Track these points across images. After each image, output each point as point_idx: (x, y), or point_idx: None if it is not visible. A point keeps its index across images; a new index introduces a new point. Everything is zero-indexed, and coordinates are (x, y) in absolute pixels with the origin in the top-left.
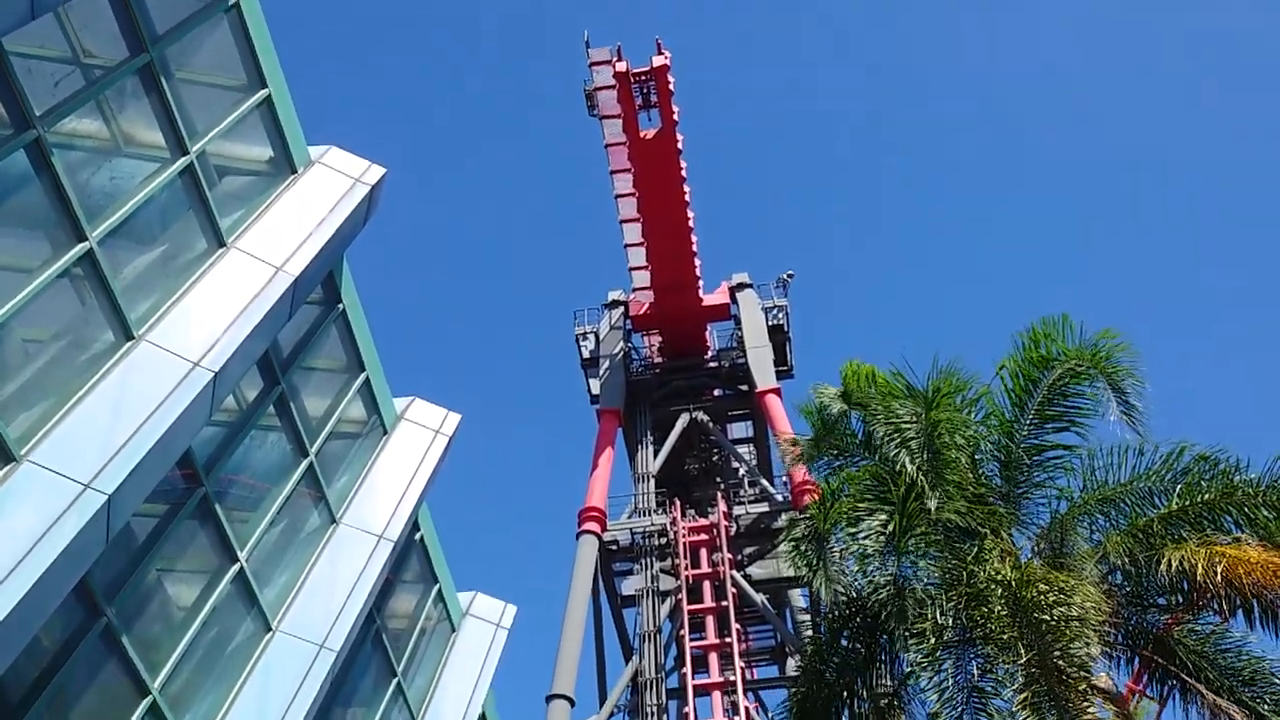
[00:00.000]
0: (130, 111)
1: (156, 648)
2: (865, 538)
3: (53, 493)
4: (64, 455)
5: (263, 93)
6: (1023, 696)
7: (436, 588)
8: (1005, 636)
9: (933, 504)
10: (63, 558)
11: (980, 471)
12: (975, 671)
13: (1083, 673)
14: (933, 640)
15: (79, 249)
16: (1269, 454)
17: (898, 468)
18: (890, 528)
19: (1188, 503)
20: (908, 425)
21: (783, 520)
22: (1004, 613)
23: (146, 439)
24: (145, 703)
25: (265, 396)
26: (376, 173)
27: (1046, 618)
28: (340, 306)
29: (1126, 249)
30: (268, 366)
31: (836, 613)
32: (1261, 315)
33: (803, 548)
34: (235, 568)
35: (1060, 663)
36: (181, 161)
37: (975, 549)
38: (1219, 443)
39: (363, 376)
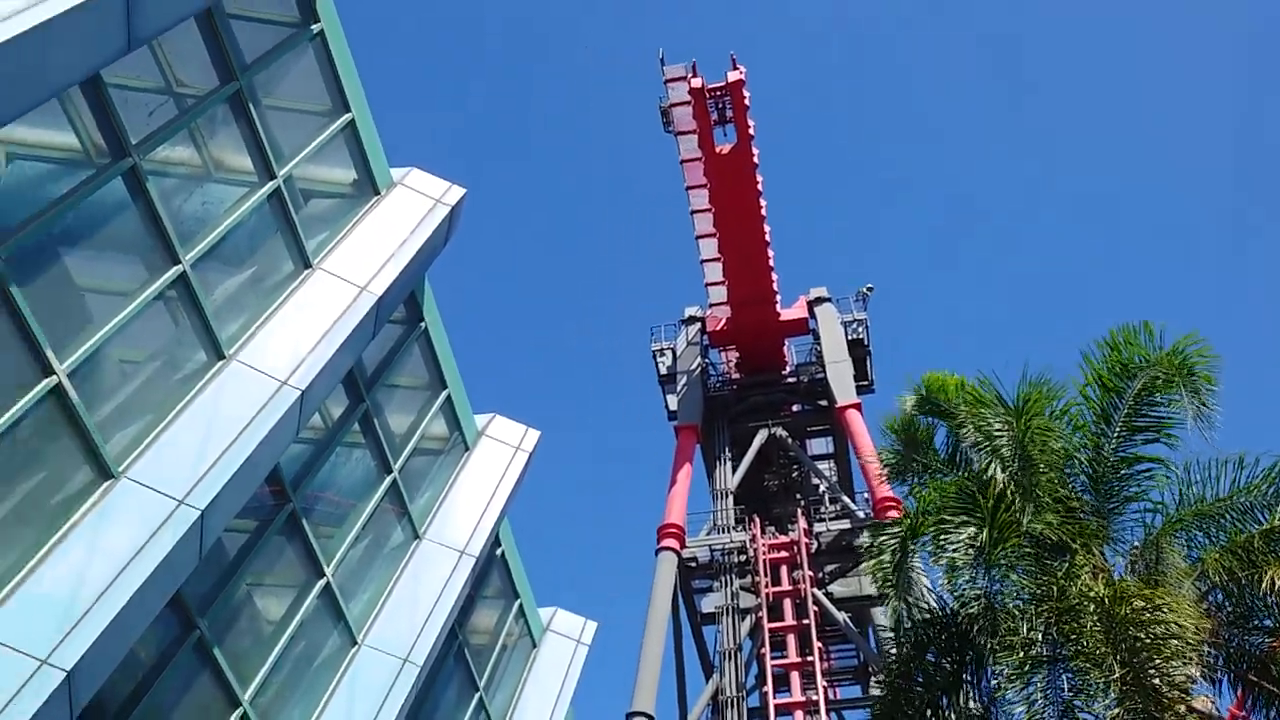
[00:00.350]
0: (220, 138)
1: (247, 660)
2: (954, 550)
3: (149, 508)
4: (159, 472)
5: (346, 117)
6: (1114, 714)
7: (518, 603)
8: (1099, 652)
9: (1025, 517)
10: (158, 572)
11: (1069, 486)
12: (1066, 688)
13: (1179, 693)
14: (1022, 654)
15: (173, 272)
16: None
17: (986, 479)
18: (980, 540)
19: None
20: (999, 434)
21: (865, 538)
22: (1097, 629)
23: (237, 456)
24: (236, 714)
25: (350, 414)
26: (456, 193)
27: (1142, 635)
28: (422, 325)
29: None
30: (352, 384)
31: (921, 630)
32: None
33: (886, 563)
34: (322, 582)
35: (1156, 682)
36: (269, 186)
37: (1066, 565)
38: None
39: (444, 394)
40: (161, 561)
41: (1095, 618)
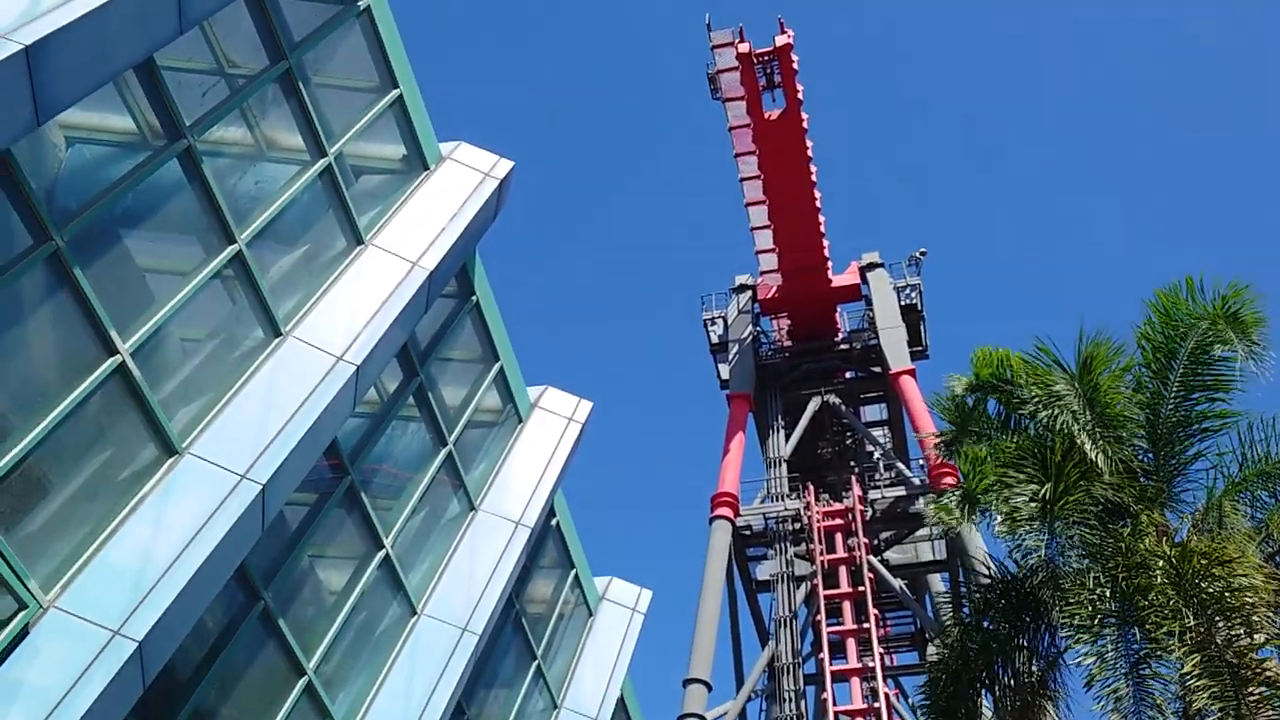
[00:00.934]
0: (271, 117)
1: (311, 630)
2: (1019, 501)
3: (212, 483)
4: (221, 447)
5: (394, 93)
6: (1186, 670)
7: (573, 573)
8: (1170, 606)
9: (1098, 457)
10: (223, 544)
11: (1127, 447)
12: (1138, 636)
13: (1249, 640)
14: (1090, 608)
15: (229, 251)
16: None
17: (1049, 441)
18: (1044, 493)
19: None
20: (1065, 392)
21: (920, 504)
22: (1166, 584)
23: (296, 431)
24: (301, 683)
25: (405, 388)
26: (505, 166)
27: (1211, 590)
28: (474, 298)
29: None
30: (406, 359)
31: (982, 592)
32: None
33: (953, 506)
34: (381, 554)
35: (1229, 635)
36: (321, 163)
37: (1131, 525)
38: None
39: (497, 366)
40: (226, 534)
41: (1163, 574)
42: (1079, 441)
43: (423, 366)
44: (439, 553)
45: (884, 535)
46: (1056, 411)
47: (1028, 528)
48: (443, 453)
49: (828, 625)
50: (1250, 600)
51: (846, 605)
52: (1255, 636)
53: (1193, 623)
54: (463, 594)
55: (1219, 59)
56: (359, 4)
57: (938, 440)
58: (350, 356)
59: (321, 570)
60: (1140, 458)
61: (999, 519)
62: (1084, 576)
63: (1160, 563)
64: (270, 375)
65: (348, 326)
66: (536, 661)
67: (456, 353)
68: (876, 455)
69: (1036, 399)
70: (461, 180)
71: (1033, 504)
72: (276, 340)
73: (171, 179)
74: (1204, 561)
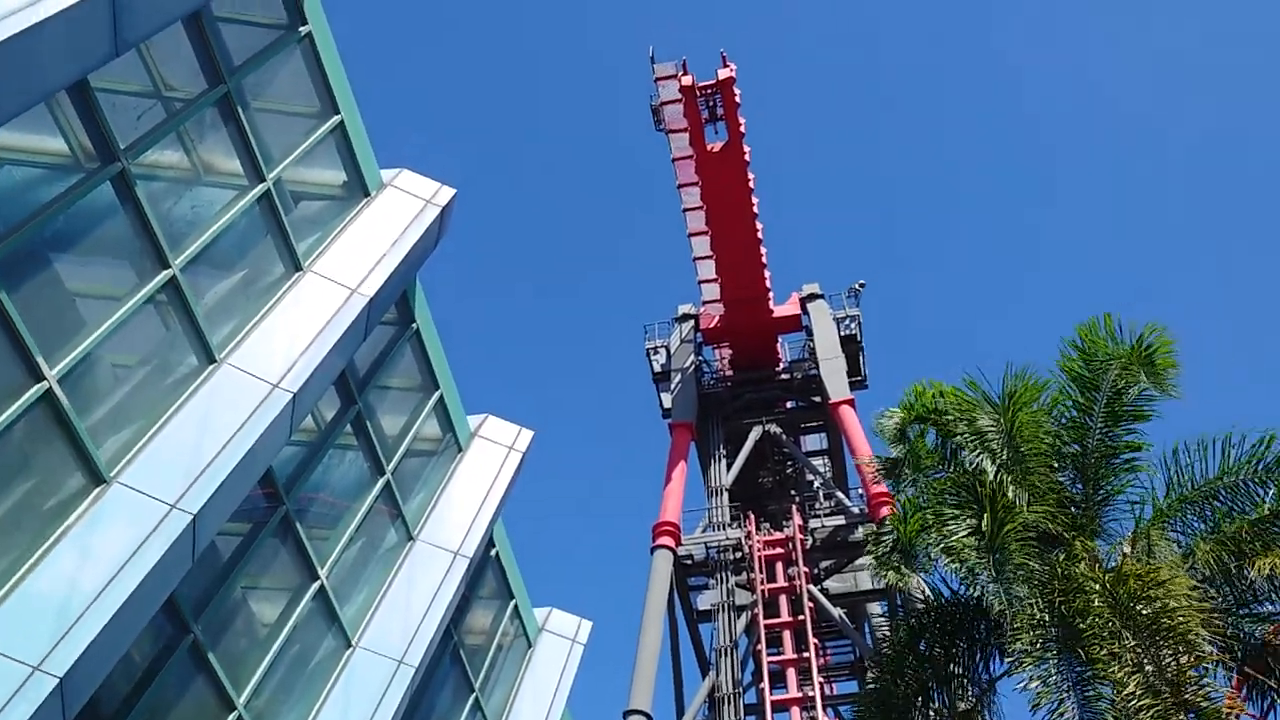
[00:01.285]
0: (209, 141)
1: (242, 663)
2: (956, 536)
3: (141, 513)
4: (151, 476)
5: (335, 119)
6: (1128, 690)
7: (512, 604)
8: (1108, 627)
9: (1022, 500)
10: (151, 576)
11: (1056, 479)
12: (1082, 658)
13: (1188, 657)
14: (1033, 634)
15: (163, 276)
16: None
17: (979, 474)
18: (982, 526)
19: None
20: (989, 429)
21: (860, 533)
22: (1102, 606)
23: (229, 459)
24: (231, 718)
25: (343, 416)
26: (447, 194)
27: (1146, 611)
28: (414, 326)
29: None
30: (344, 386)
31: (918, 618)
32: None
33: (890, 558)
34: (316, 585)
35: (1166, 653)
36: (259, 188)
37: (1065, 551)
38: None
39: (437, 394)
40: (154, 566)
41: (1099, 597)
42: (1003, 481)
43: (361, 394)
44: (376, 583)
45: (824, 564)
46: (979, 451)
47: (974, 557)
48: (380, 482)
49: (768, 654)
50: (1185, 620)
51: (787, 634)
52: (1192, 655)
53: (1132, 643)
54: (399, 625)
55: (1168, 92)
56: (300, 29)
57: (875, 470)
58: (287, 384)
59: (254, 602)
60: (1071, 488)
61: (943, 559)
62: (1024, 603)
63: (1096, 586)
64: (204, 403)
65: (285, 353)
66: (474, 694)
67: (396, 380)
68: (816, 484)
69: (963, 435)
70: (403, 207)
71: (971, 536)
72: (211, 367)
73: (104, 202)
74: (1139, 583)
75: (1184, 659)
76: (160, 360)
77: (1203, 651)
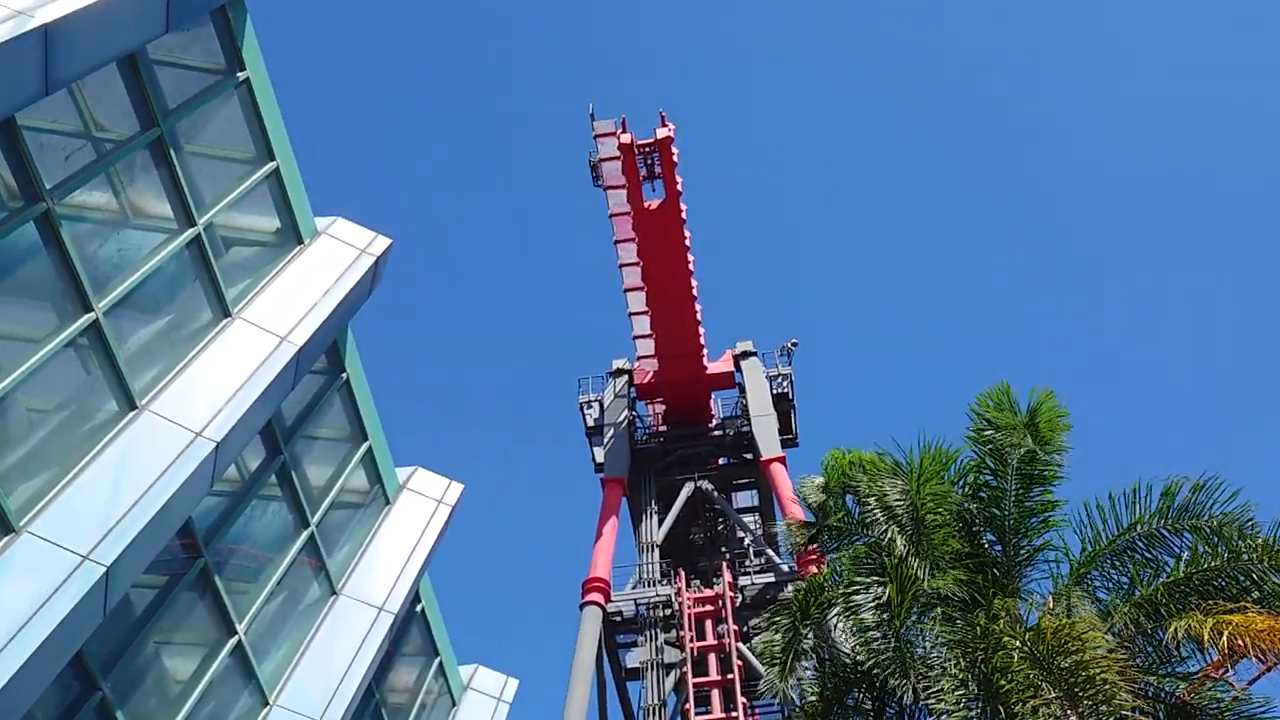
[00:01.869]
0: (140, 184)
1: None
2: (864, 611)
3: (51, 564)
4: (63, 526)
5: (270, 165)
6: None
7: (437, 661)
8: (1029, 681)
9: (924, 575)
10: (59, 630)
11: (978, 543)
12: (1002, 714)
13: (1108, 708)
14: (954, 694)
15: (84, 320)
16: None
17: (889, 545)
18: (886, 597)
19: (1194, 570)
20: (896, 503)
21: (789, 591)
22: (1023, 661)
23: (147, 510)
24: None
25: (267, 466)
26: (382, 244)
27: (1065, 664)
28: (344, 376)
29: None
30: (270, 436)
31: (837, 681)
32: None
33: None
34: (234, 640)
35: (1086, 700)
36: (189, 233)
37: (986, 609)
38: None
39: (365, 446)
40: (62, 620)
41: (1019, 652)
42: (907, 553)
43: (287, 444)
44: (296, 639)
45: (753, 622)
46: (887, 523)
47: (878, 633)
48: (304, 534)
49: (696, 713)
50: (1103, 671)
51: (715, 693)
52: (1111, 703)
53: (1052, 694)
54: (320, 683)
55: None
56: (238, 75)
57: (796, 536)
58: (210, 433)
59: (168, 658)
60: (992, 550)
61: (848, 626)
62: (943, 663)
63: (1016, 643)
64: (122, 450)
65: (209, 401)
66: None
67: (324, 431)
68: (747, 541)
69: (874, 509)
70: (337, 255)
71: (879, 609)
72: (131, 414)
73: (26, 242)
74: (1056, 639)
75: (1103, 708)
76: (78, 405)
77: (1122, 700)
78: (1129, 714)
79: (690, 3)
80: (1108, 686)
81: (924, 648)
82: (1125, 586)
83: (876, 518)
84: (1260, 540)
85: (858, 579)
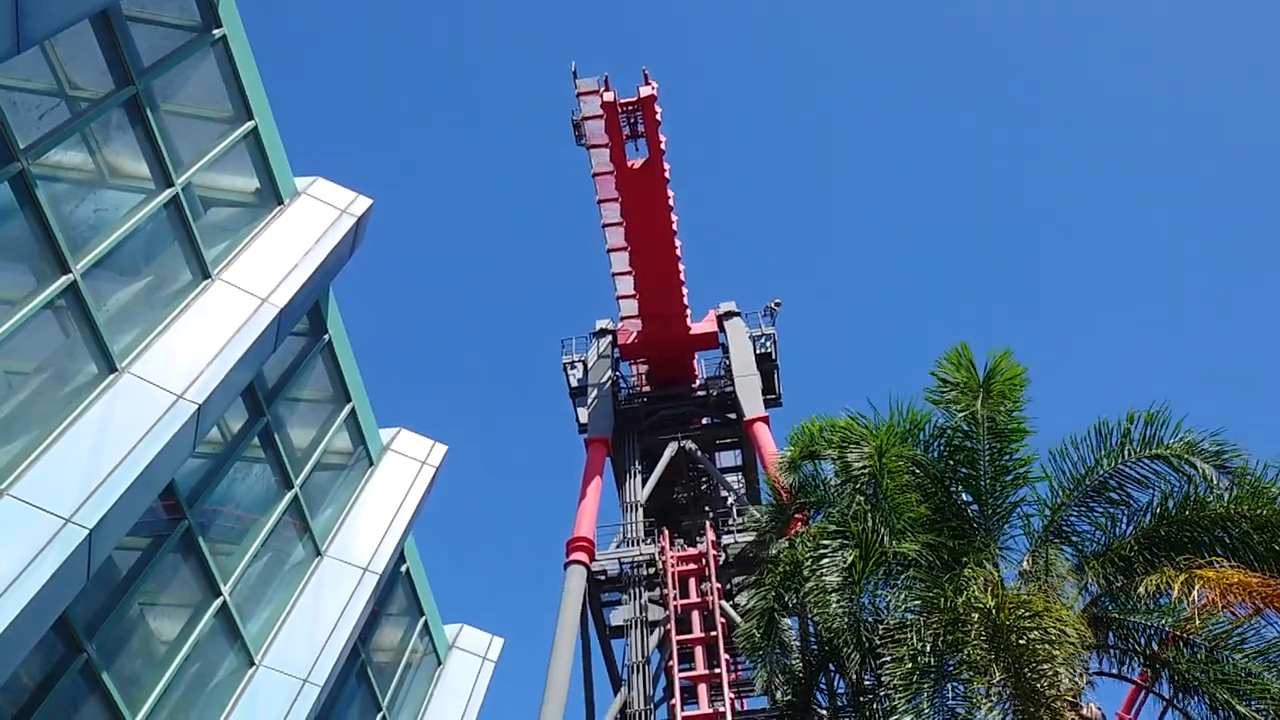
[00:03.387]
0: (116, 144)
1: (138, 684)
2: (827, 575)
3: (33, 527)
4: (45, 489)
5: (249, 124)
6: (998, 714)
7: (422, 620)
8: (982, 660)
9: (887, 538)
10: (43, 593)
11: (954, 503)
12: (952, 696)
13: (1054, 690)
14: (909, 665)
15: (62, 281)
16: None
17: (855, 510)
18: (851, 561)
19: (1162, 522)
20: (860, 469)
21: (773, 550)
22: (981, 637)
23: (129, 472)
24: None
25: (250, 428)
26: (363, 204)
27: (1024, 641)
28: (326, 337)
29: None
30: (252, 398)
31: (819, 648)
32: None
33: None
34: (218, 602)
35: (1039, 685)
36: (167, 193)
37: (953, 578)
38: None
39: (348, 407)
40: (46, 582)
41: (980, 626)
42: (869, 519)
43: (270, 406)
44: (281, 600)
45: (736, 580)
46: (851, 492)
47: (839, 597)
48: (288, 496)
49: (680, 670)
50: (1056, 653)
51: (699, 650)
52: (1061, 687)
53: (999, 677)
54: (305, 643)
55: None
56: (214, 32)
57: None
58: (191, 395)
59: (152, 619)
60: (970, 509)
61: (812, 594)
62: (906, 633)
63: (976, 616)
64: (103, 413)
65: (190, 363)
66: (382, 713)
67: (306, 392)
68: (730, 500)
69: (846, 478)
70: (317, 216)
71: (841, 572)
72: (111, 376)
73: (2, 203)
74: (1020, 613)
75: (1053, 691)
76: (57, 368)
77: (1071, 684)
78: (1075, 690)
79: None
80: (1061, 669)
81: (891, 615)
82: (1104, 530)
83: (841, 486)
84: (1224, 485)
85: (824, 542)
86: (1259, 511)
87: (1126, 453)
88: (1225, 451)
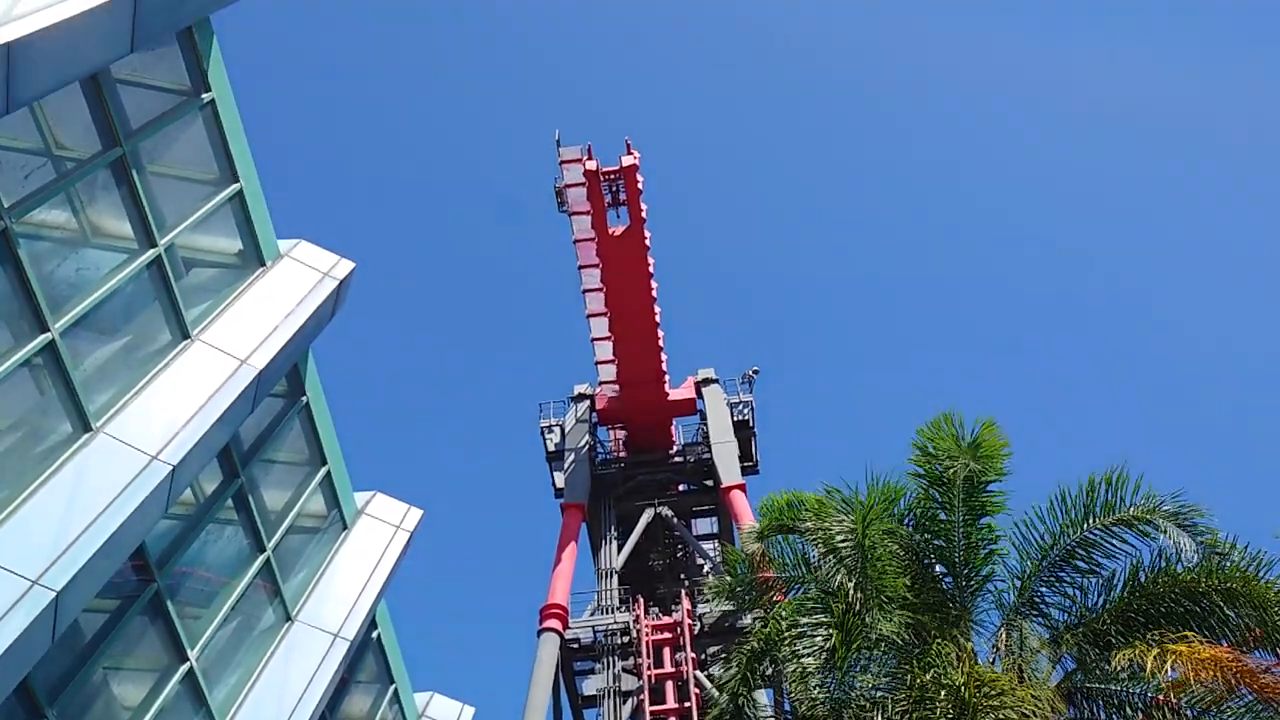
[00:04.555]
0: (100, 204)
1: None
2: (805, 656)
3: None
4: (12, 550)
5: (234, 187)
6: None
7: (393, 688)
8: None
9: (871, 618)
10: (5, 657)
11: (928, 576)
12: None
13: None
14: None
15: (40, 340)
16: None
17: (837, 587)
18: (830, 644)
19: (1133, 595)
20: (842, 543)
21: (748, 619)
22: (948, 715)
23: (99, 534)
24: None
25: (224, 490)
26: (345, 267)
27: (989, 719)
28: (304, 399)
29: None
30: (227, 459)
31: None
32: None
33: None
34: (185, 667)
35: None
36: (150, 254)
37: (921, 655)
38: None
39: (324, 470)
40: (8, 647)
41: (947, 704)
42: (853, 595)
43: (245, 468)
44: (249, 666)
45: (711, 650)
46: (835, 568)
47: (817, 680)
48: (260, 559)
49: None
50: None
51: None
52: None
53: None
54: (272, 711)
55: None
56: (203, 96)
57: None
58: (166, 456)
59: (117, 685)
60: (944, 582)
61: (790, 676)
62: (870, 711)
63: (943, 694)
64: (75, 473)
65: (166, 424)
66: None
67: (282, 454)
68: (706, 569)
69: (820, 552)
70: (299, 278)
71: (821, 654)
72: (86, 436)
73: None
74: (987, 690)
75: None
76: (31, 427)
77: None
78: None
79: (655, 34)
80: None
81: (866, 695)
82: (1076, 601)
83: (822, 559)
84: (1193, 570)
85: (803, 621)
86: (1228, 585)
87: (1090, 521)
88: (1185, 511)
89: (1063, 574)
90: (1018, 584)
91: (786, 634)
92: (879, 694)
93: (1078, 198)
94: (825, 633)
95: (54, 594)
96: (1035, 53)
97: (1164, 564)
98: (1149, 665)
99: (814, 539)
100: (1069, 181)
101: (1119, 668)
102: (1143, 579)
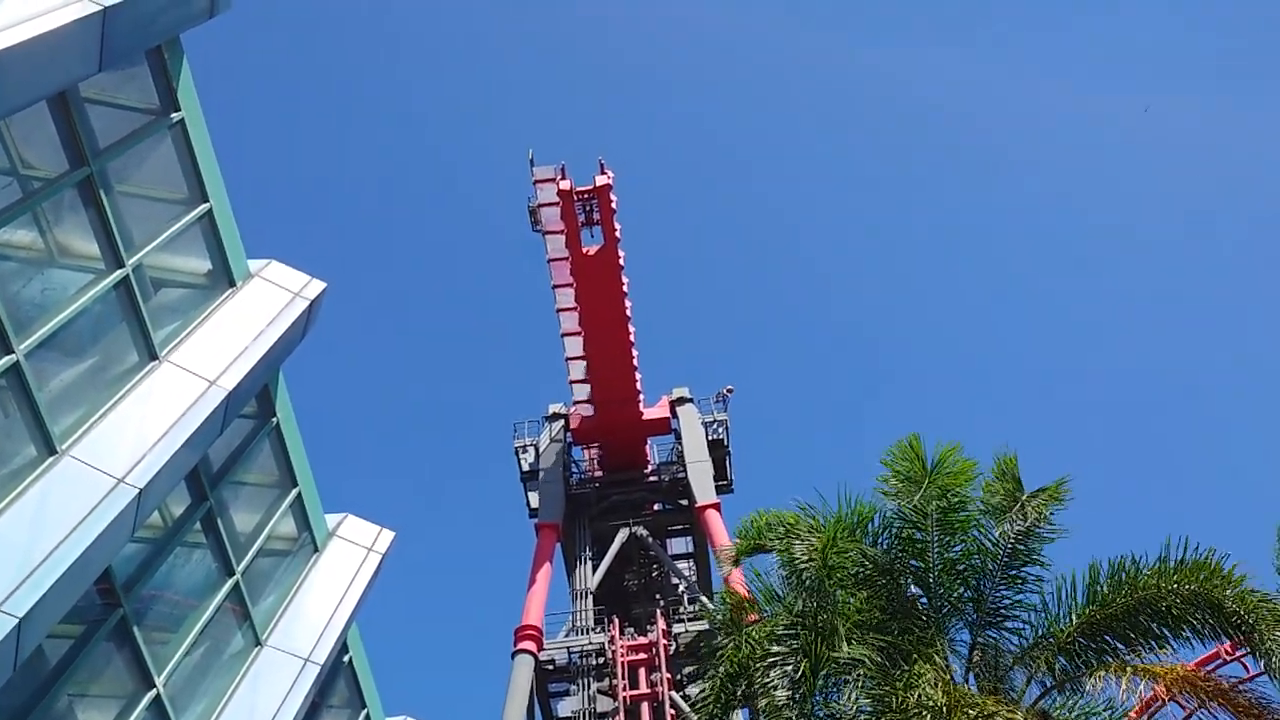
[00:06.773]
0: (68, 223)
1: None
2: (777, 688)
3: None
4: None
5: (203, 207)
6: None
7: (364, 713)
8: None
9: (836, 641)
10: None
11: (904, 596)
12: None
13: None
14: None
15: (5, 361)
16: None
17: (802, 610)
18: (800, 672)
19: (1104, 611)
20: (805, 565)
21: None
22: None
23: (64, 559)
24: None
25: (192, 513)
26: (317, 287)
27: None
28: (274, 420)
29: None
30: (196, 481)
31: None
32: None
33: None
34: (152, 693)
35: None
36: (117, 274)
37: (905, 676)
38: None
39: (294, 492)
40: None
41: None
42: (819, 619)
43: (214, 490)
44: (217, 692)
45: (687, 670)
46: (798, 593)
47: (790, 712)
48: (229, 583)
49: None
50: None
51: None
52: None
53: None
54: None
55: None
56: (172, 116)
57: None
58: (133, 479)
59: (81, 712)
60: (920, 602)
61: (765, 710)
62: None
63: (928, 716)
64: (40, 496)
65: (133, 446)
66: None
67: (252, 476)
68: (682, 588)
69: (787, 568)
70: (269, 299)
71: (789, 684)
72: (51, 459)
73: None
74: (971, 712)
75: None
76: None
77: None
78: None
79: (629, 54)
80: None
81: (844, 714)
82: (1039, 611)
83: (786, 583)
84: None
85: (773, 651)
86: (1187, 587)
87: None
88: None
89: (1016, 575)
90: (983, 595)
91: (759, 664)
92: (862, 716)
93: (1057, 217)
94: (795, 660)
95: (16, 620)
96: (999, 69)
97: (1126, 575)
98: (1123, 685)
99: (782, 561)
100: (1048, 205)
101: (1092, 687)
102: (1104, 587)
